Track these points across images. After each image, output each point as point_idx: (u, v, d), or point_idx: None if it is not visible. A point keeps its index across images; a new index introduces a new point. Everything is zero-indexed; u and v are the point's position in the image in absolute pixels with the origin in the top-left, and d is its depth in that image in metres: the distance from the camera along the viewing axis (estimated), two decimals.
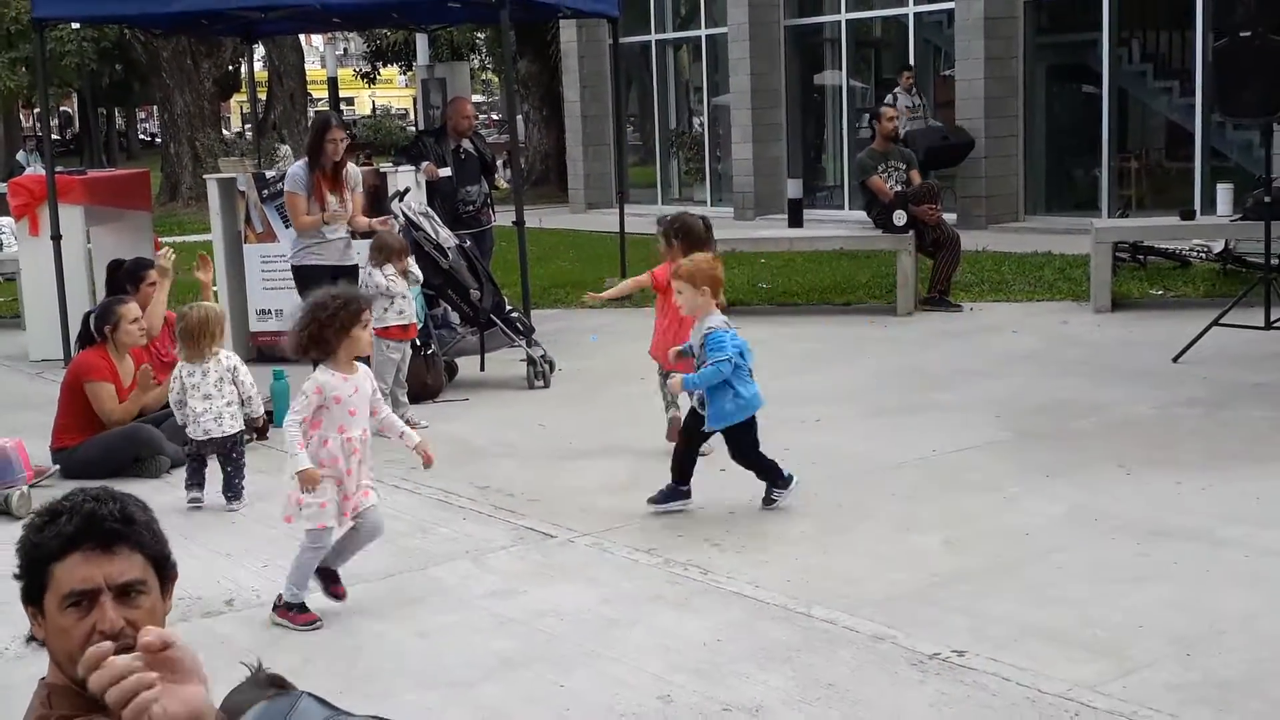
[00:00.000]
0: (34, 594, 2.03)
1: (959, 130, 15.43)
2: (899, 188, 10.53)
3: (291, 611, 4.44)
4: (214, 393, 5.91)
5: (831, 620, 4.28)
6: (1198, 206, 12.73)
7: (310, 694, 1.60)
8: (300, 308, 4.65)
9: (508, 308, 8.43)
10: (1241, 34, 7.83)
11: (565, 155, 22.35)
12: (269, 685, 2.49)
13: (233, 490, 5.88)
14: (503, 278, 9.30)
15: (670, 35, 20.97)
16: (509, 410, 7.57)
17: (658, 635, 4.25)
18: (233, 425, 5.92)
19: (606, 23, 13.46)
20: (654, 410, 6.54)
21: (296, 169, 7.68)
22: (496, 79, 38.01)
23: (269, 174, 9.41)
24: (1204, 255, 11.57)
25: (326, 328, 4.42)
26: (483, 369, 8.34)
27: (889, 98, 15.68)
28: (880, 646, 4.07)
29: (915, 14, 17.31)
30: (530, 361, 8.15)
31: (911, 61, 17.39)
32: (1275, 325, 7.98)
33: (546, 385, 8.05)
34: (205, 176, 10.84)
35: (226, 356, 5.98)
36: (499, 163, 12.24)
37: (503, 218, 10.21)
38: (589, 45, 21.00)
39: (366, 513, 4.55)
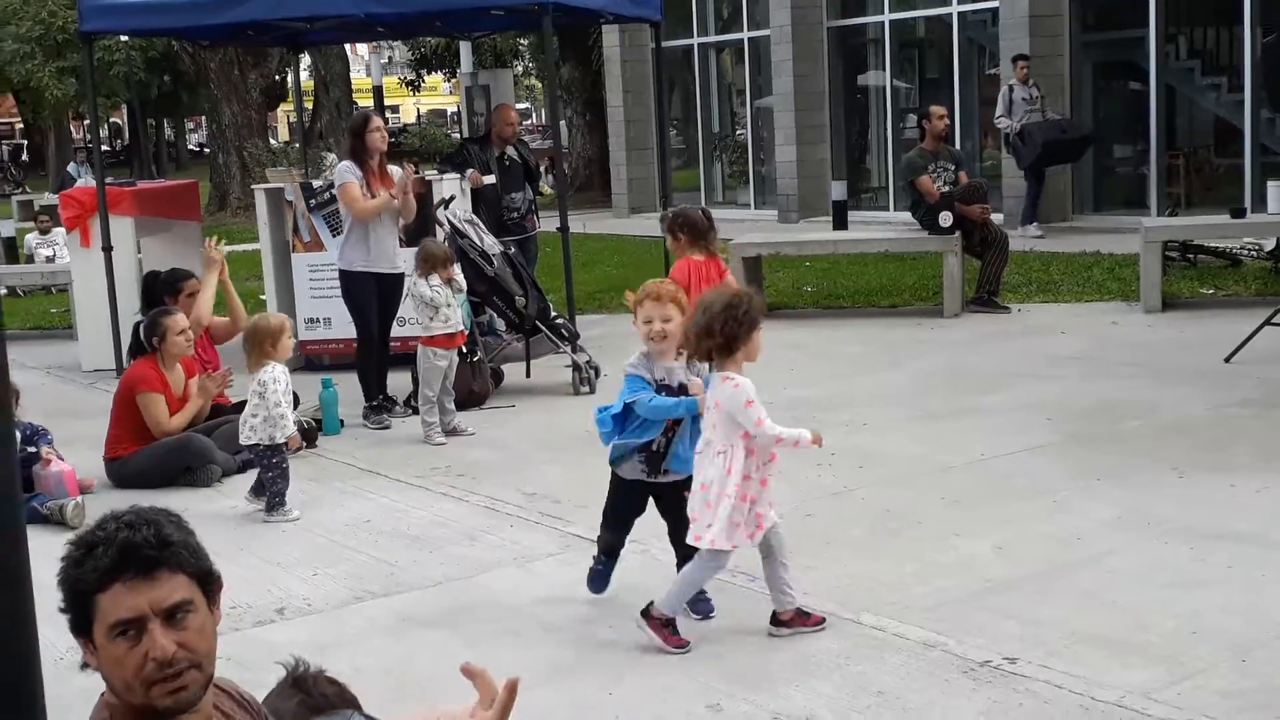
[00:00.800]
0: (82, 626, 2.04)
1: (1076, 123, 14.95)
2: (946, 189, 10.47)
3: (665, 629, 4.20)
4: (247, 404, 5.99)
5: (880, 627, 4.26)
6: (1248, 204, 12.57)
7: (359, 712, 1.60)
8: (707, 306, 4.20)
9: (553, 314, 8.45)
10: None
11: (609, 160, 22.38)
12: (295, 690, 2.51)
13: (268, 499, 5.91)
14: (547, 283, 9.33)
15: (713, 38, 20.95)
16: (555, 417, 7.59)
17: (706, 643, 4.24)
18: (249, 437, 5.94)
19: (649, 27, 13.46)
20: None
21: (345, 165, 7.71)
22: (540, 84, 38.12)
23: (316, 184, 9.49)
24: (1255, 253, 11.43)
25: (742, 325, 4.13)
26: (528, 375, 8.37)
27: (1004, 90, 14.66)
28: (930, 654, 4.04)
29: (959, 13, 17.20)
30: (575, 367, 8.16)
31: (955, 62, 17.28)
32: None
33: (592, 391, 8.06)
34: (253, 186, 10.93)
35: (265, 370, 5.97)
36: (542, 168, 12.26)
37: (547, 223, 10.25)
38: (631, 50, 21.02)
39: (773, 530, 4.26)
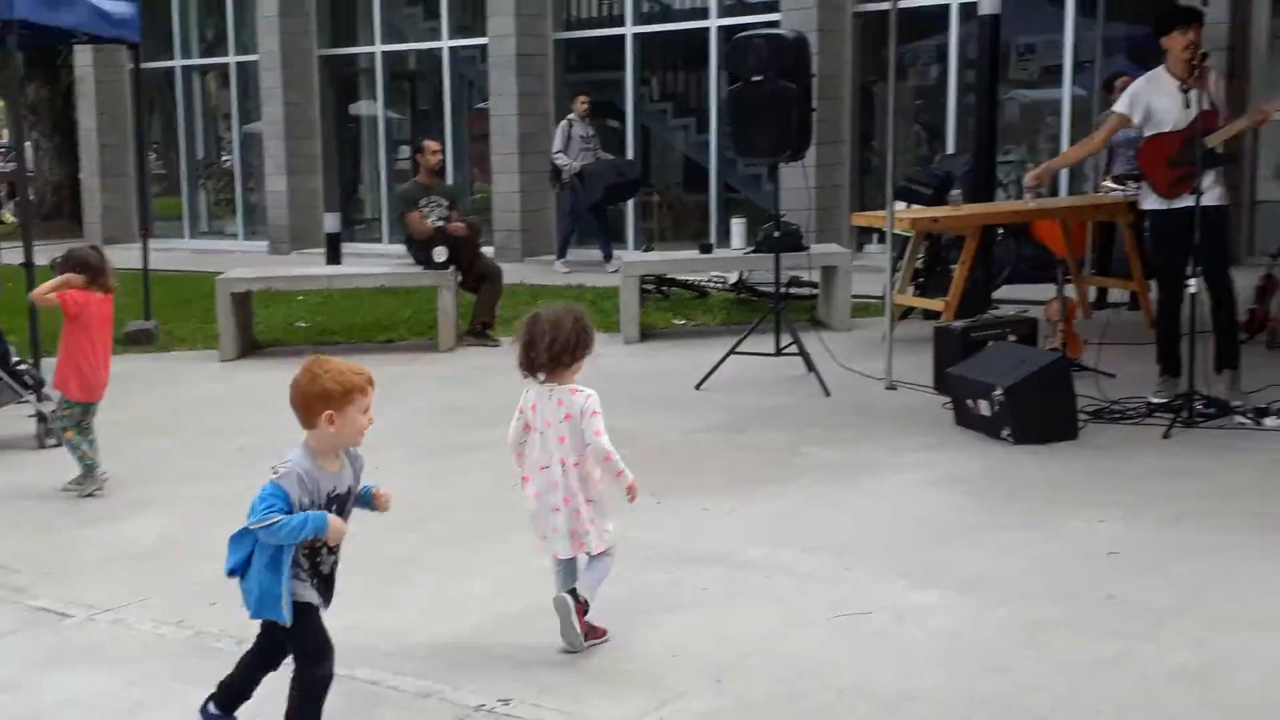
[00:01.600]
0: None
1: (631, 165, 15.24)
2: (439, 224, 10.56)
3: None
4: None
5: (376, 680, 4.18)
6: (714, 239, 13.63)
7: None
8: (556, 322, 4.41)
9: (14, 358, 7.74)
10: (753, 78, 8.42)
11: (80, 186, 20.90)
12: None
13: None
14: (8, 324, 8.52)
15: (197, 61, 20.09)
16: (16, 475, 6.93)
17: (192, 715, 3.97)
18: None
19: (126, 48, 12.70)
20: (181, 467, 6.15)
21: None
22: (2, 104, 35.01)
23: None
24: (720, 285, 12.39)
25: (591, 338, 4.40)
26: None
27: (563, 124, 14.68)
28: (425, 703, 4.01)
29: (450, 47, 17.51)
30: (41, 418, 7.49)
31: (447, 96, 17.55)
32: (784, 351, 8.64)
33: (60, 443, 7.43)
34: None
35: None
36: (3, 195, 11.21)
37: (9, 255, 9.38)
38: (106, 69, 19.78)
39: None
